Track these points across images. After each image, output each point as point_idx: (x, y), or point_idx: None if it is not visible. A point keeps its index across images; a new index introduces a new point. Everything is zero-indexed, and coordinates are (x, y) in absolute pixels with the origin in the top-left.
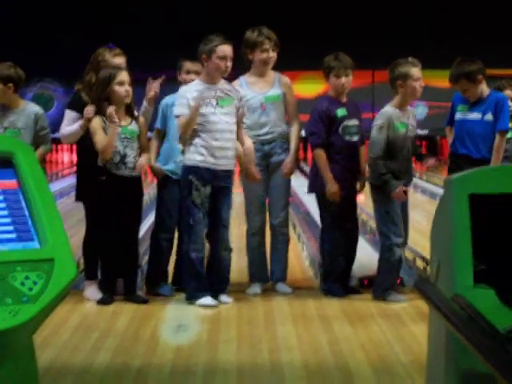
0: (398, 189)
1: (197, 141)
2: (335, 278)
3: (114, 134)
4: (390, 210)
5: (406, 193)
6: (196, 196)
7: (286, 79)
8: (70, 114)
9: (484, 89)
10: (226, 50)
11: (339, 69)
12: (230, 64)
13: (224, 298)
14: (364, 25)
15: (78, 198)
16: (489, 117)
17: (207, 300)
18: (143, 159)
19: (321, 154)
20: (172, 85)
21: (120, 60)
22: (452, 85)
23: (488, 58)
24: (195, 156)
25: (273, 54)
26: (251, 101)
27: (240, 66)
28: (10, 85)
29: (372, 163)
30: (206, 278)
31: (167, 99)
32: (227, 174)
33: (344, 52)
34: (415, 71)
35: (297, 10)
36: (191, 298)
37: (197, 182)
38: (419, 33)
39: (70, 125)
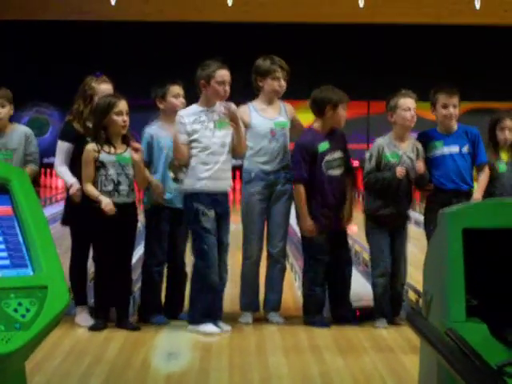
0: (398, 169)
1: (196, 166)
2: (316, 309)
3: (99, 202)
4: (373, 241)
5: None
6: (205, 221)
7: (290, 107)
8: (62, 146)
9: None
10: (224, 74)
11: (342, 101)
12: (228, 88)
13: (223, 325)
14: (360, 56)
15: (65, 222)
16: (466, 149)
17: (211, 327)
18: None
19: (299, 190)
20: (147, 112)
21: (106, 86)
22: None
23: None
24: (196, 182)
25: (284, 83)
26: (260, 127)
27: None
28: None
29: (365, 191)
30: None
31: (151, 129)
32: (225, 198)
33: (340, 83)
34: (405, 102)
35: (295, 39)
36: (196, 322)
37: (202, 207)
38: (416, 65)
39: (63, 157)
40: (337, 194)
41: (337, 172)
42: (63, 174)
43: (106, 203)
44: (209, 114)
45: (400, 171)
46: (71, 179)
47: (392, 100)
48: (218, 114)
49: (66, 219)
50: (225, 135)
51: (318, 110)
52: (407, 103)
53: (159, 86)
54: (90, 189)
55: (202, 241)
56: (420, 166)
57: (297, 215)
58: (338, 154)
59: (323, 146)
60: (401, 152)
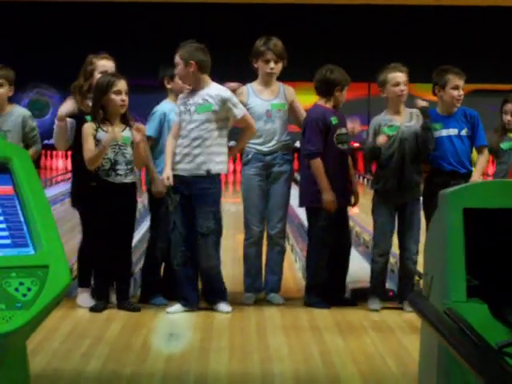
0: (380, 137)
1: (176, 148)
2: (318, 291)
3: (105, 149)
4: (378, 219)
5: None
6: (168, 203)
7: (290, 90)
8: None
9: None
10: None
11: (348, 84)
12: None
13: (220, 306)
14: (360, 37)
15: (74, 204)
16: (465, 132)
17: (173, 308)
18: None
19: (318, 163)
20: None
21: (105, 62)
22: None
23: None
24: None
25: (274, 66)
26: (257, 108)
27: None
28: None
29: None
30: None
31: (163, 107)
32: (195, 182)
33: (341, 64)
34: (393, 76)
35: (295, 21)
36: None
37: (169, 188)
38: (417, 46)
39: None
40: (344, 169)
41: (345, 147)
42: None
43: (107, 138)
44: (195, 97)
45: (381, 139)
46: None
47: (381, 75)
48: (202, 97)
49: (75, 200)
50: (203, 119)
51: (327, 90)
52: (397, 78)
53: (168, 66)
54: (92, 152)
55: (167, 224)
56: (381, 139)
57: (300, 199)
58: (344, 130)
59: (334, 119)
60: (398, 123)
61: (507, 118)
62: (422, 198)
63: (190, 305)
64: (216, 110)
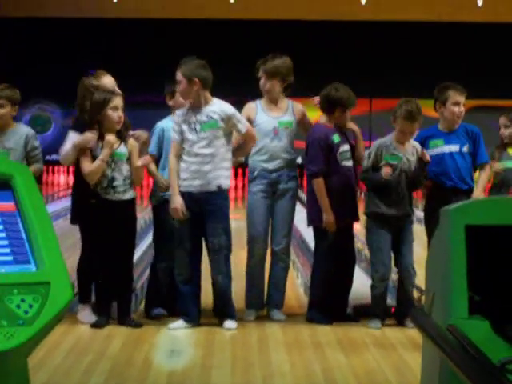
0: (384, 169)
1: (181, 166)
2: (319, 306)
3: (103, 163)
4: (373, 244)
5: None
6: (175, 221)
7: (299, 106)
8: (70, 135)
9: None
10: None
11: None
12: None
13: (226, 323)
14: (362, 53)
15: (73, 220)
16: (466, 148)
17: (174, 324)
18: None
19: (320, 182)
20: (163, 110)
21: (107, 79)
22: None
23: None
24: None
25: (264, 83)
26: (264, 124)
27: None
28: (16, 107)
29: (366, 190)
30: (188, 303)
31: (163, 123)
32: (206, 198)
33: (342, 80)
34: (403, 111)
35: (298, 37)
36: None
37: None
38: (419, 62)
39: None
40: (350, 186)
41: (349, 163)
42: (64, 150)
43: (104, 149)
44: (197, 115)
45: (386, 171)
46: (70, 143)
47: (397, 107)
48: (205, 115)
49: (74, 217)
50: (209, 136)
51: (328, 107)
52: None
53: (169, 83)
54: (91, 166)
55: (171, 241)
56: (385, 171)
57: (308, 219)
58: (347, 147)
59: (336, 137)
60: (401, 154)
61: (501, 131)
62: (423, 214)
63: (193, 321)
64: (221, 126)
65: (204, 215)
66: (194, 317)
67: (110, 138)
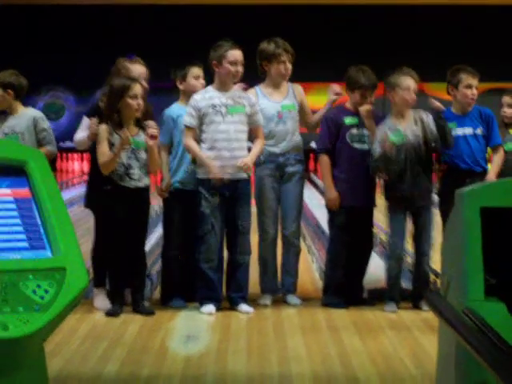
0: (387, 144)
1: (205, 152)
2: (334, 290)
3: (118, 153)
4: (391, 226)
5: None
6: (205, 206)
7: (299, 88)
8: (84, 121)
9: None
10: (236, 54)
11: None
12: (240, 69)
13: (243, 307)
14: (375, 37)
15: (87, 205)
16: (480, 131)
17: (207, 308)
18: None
19: (324, 159)
20: (169, 95)
21: (139, 68)
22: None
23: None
24: (205, 168)
25: (289, 66)
26: (267, 109)
27: (249, 76)
28: (10, 91)
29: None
30: (216, 288)
31: (170, 111)
32: (237, 184)
33: (354, 64)
34: (404, 80)
35: (308, 21)
36: (200, 306)
37: (205, 192)
38: (432, 45)
39: (83, 131)
40: (362, 169)
41: (364, 147)
42: (78, 137)
43: (119, 142)
44: (222, 98)
45: (388, 146)
46: (86, 132)
47: (391, 78)
48: (231, 98)
49: (89, 201)
50: (237, 121)
51: (348, 88)
52: (407, 83)
53: (179, 67)
54: (106, 156)
55: (200, 226)
56: (387, 146)
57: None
58: (355, 131)
59: (350, 119)
60: (402, 128)
61: (503, 111)
62: (437, 197)
63: (219, 305)
64: (247, 113)
65: (234, 199)
66: (220, 301)
67: (127, 133)
